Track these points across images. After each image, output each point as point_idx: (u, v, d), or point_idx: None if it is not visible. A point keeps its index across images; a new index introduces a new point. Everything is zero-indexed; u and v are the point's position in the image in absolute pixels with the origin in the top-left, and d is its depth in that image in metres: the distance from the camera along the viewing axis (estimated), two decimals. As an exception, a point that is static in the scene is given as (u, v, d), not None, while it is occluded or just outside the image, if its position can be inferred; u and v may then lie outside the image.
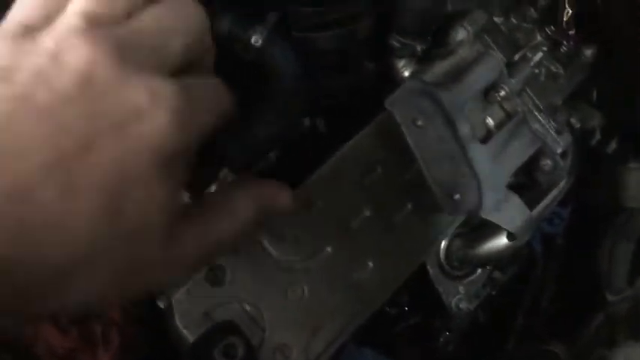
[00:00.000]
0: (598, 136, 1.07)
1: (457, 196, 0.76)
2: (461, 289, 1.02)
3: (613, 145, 1.10)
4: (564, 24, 0.93)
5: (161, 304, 0.77)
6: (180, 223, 0.42)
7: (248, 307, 0.72)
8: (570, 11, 0.91)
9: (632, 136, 1.10)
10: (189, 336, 0.69)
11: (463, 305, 1.01)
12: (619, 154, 1.12)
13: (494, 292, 1.09)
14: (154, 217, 0.39)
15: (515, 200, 0.82)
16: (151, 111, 0.37)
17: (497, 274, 1.07)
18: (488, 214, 0.80)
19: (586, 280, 1.29)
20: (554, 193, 0.86)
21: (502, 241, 0.93)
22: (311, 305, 0.75)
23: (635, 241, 1.25)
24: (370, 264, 0.78)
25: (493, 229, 0.93)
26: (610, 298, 1.33)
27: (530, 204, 0.84)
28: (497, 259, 0.95)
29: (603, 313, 1.29)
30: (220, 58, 0.48)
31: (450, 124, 0.79)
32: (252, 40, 0.72)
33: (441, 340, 1.09)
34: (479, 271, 1.03)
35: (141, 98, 0.37)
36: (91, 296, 0.40)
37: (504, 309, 1.14)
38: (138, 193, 0.38)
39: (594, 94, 1.09)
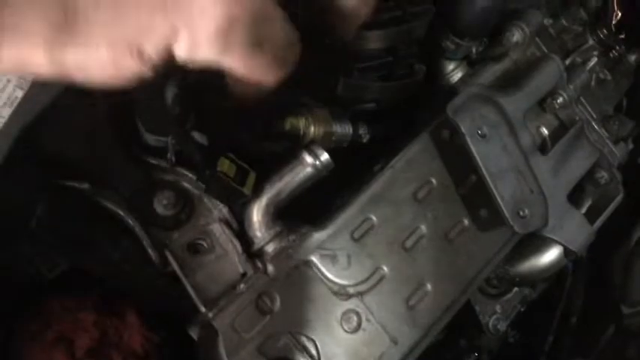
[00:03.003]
0: (631, 145, 1.02)
1: (525, 213, 0.70)
2: (497, 307, 0.96)
3: (645, 156, 1.06)
4: (613, 27, 0.88)
5: (193, 334, 0.69)
6: None
7: (301, 338, 0.64)
8: (620, 14, 0.86)
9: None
10: (240, 374, 0.60)
11: (500, 325, 0.95)
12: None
13: (523, 309, 1.03)
14: None
15: (577, 216, 0.77)
16: None
17: (527, 291, 1.02)
18: (551, 231, 0.74)
19: (605, 293, 1.26)
20: (612, 207, 0.81)
21: (548, 257, 0.87)
22: (368, 334, 0.67)
23: (654, 253, 1.22)
24: (428, 286, 0.71)
25: (537, 246, 0.87)
26: (625, 310, 1.29)
27: (590, 219, 0.78)
28: (541, 277, 0.89)
29: (614, 325, 1.25)
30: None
31: (513, 133, 0.72)
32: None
33: (470, 360, 1.03)
34: (515, 289, 0.97)
35: None
36: None
37: (534, 327, 1.09)
38: None
39: (624, 102, 1.05)
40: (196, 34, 0.44)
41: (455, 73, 0.79)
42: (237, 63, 0.48)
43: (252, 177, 0.65)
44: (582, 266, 1.16)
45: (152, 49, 0.44)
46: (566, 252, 0.80)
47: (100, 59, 0.43)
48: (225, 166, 0.63)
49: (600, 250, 1.28)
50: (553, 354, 1.10)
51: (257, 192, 0.67)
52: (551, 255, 0.86)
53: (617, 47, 0.88)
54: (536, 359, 1.07)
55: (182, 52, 0.45)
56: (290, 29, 0.51)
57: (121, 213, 0.64)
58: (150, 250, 0.64)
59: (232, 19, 0.44)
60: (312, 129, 0.71)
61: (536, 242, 0.86)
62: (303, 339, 0.64)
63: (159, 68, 0.46)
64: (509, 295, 0.95)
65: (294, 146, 0.70)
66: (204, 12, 0.43)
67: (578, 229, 0.76)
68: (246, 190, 0.64)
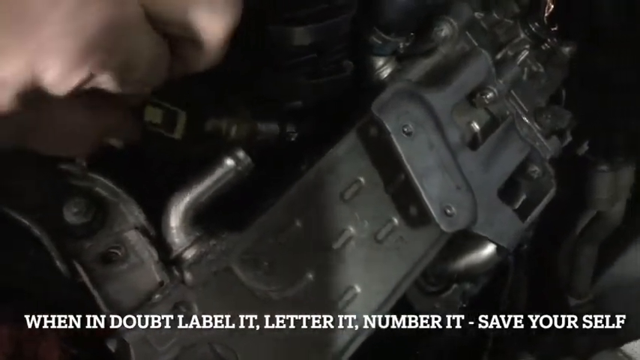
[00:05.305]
0: (569, 137, 1.02)
1: (452, 211, 0.68)
2: (437, 305, 0.95)
3: (584, 148, 1.06)
4: (545, 20, 0.87)
5: (111, 347, 0.66)
6: None
7: (219, 349, 0.62)
8: (552, 6, 0.85)
9: (603, 139, 1.07)
10: (153, 389, 0.58)
11: (440, 323, 0.94)
12: (589, 157, 1.08)
13: (464, 305, 1.03)
14: None
15: (508, 212, 0.75)
16: None
17: (468, 287, 1.01)
18: (480, 228, 0.73)
19: (551, 285, 1.26)
20: (544, 202, 0.80)
21: (484, 253, 0.86)
22: (294, 340, 0.65)
23: (598, 244, 1.23)
24: (357, 288, 0.69)
25: (475, 242, 0.87)
26: (572, 302, 1.30)
27: (521, 215, 0.77)
28: (478, 272, 0.89)
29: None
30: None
31: (440, 129, 0.71)
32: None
33: None
34: (454, 285, 0.97)
35: None
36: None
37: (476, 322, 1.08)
38: None
39: (563, 94, 1.05)
40: (56, 59, 0.39)
41: (384, 69, 0.77)
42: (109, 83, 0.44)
43: (182, 117, 0.61)
44: (524, 259, 1.17)
45: (11, 77, 0.39)
46: (498, 248, 0.79)
47: None
48: (150, 114, 0.59)
49: (545, 242, 1.29)
50: (498, 349, 1.10)
51: (174, 196, 0.64)
52: (487, 250, 0.86)
53: (550, 40, 0.87)
54: (480, 355, 1.07)
55: (49, 79, 0.40)
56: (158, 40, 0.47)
57: (27, 222, 0.60)
58: (58, 262, 0.60)
59: (90, 38, 0.39)
60: (234, 129, 0.69)
61: (472, 238, 0.85)
62: (222, 349, 0.62)
63: (23, 100, 0.40)
64: (448, 292, 0.94)
65: (217, 147, 0.68)
66: (59, 37, 0.38)
67: (508, 225, 0.75)
68: (177, 134, 0.61)
